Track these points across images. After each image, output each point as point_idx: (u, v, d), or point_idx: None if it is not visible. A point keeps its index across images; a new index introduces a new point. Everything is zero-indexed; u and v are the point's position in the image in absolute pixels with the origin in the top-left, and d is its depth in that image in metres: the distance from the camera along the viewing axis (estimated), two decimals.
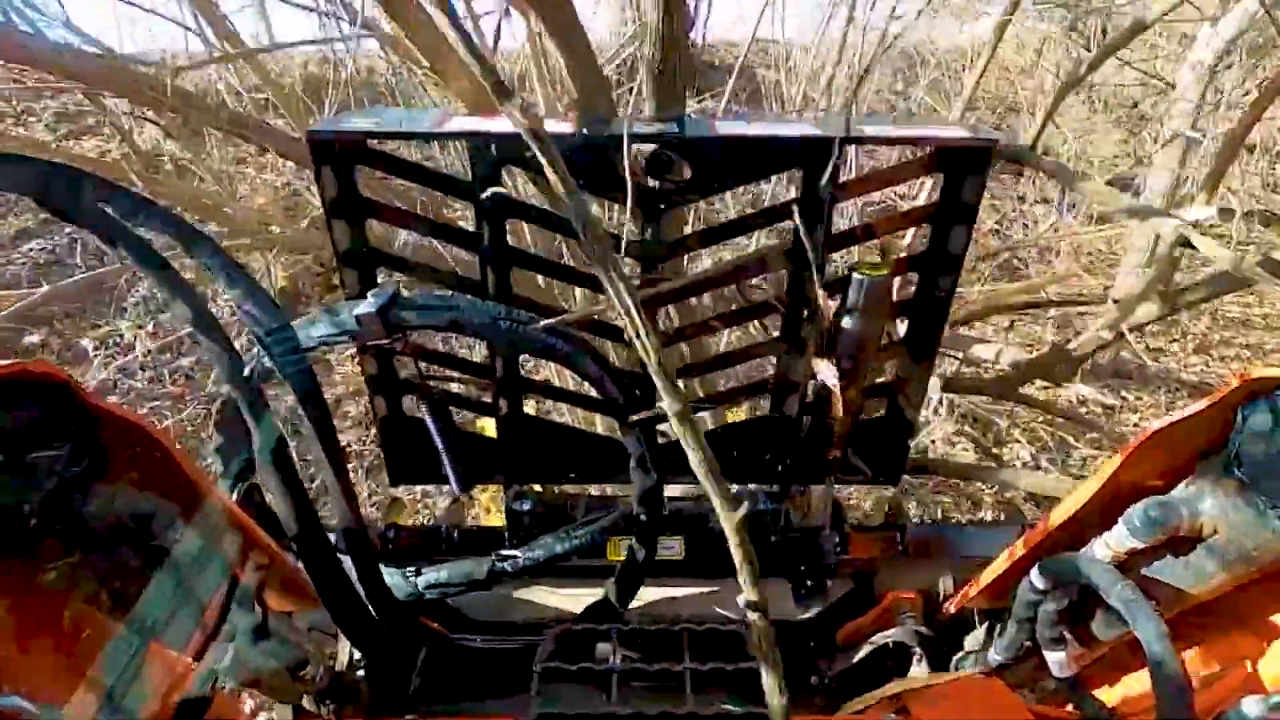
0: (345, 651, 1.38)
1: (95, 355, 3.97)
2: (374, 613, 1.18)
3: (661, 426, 1.62)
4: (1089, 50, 6.61)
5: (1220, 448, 0.94)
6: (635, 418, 1.16)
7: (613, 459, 1.30)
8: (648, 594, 1.50)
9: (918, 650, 1.35)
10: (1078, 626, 1.12)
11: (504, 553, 1.34)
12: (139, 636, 0.91)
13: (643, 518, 1.30)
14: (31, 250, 4.68)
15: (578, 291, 2.56)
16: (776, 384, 1.54)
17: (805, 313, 1.42)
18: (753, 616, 0.78)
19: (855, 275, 1.34)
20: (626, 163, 1.22)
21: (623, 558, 1.37)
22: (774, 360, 1.53)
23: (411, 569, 1.34)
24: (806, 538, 1.60)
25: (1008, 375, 2.09)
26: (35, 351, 4.04)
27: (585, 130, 1.29)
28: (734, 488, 1.70)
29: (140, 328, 4.07)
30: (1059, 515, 1.11)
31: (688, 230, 1.69)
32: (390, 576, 1.26)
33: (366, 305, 1.11)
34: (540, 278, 2.34)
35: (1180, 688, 0.87)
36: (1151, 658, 0.89)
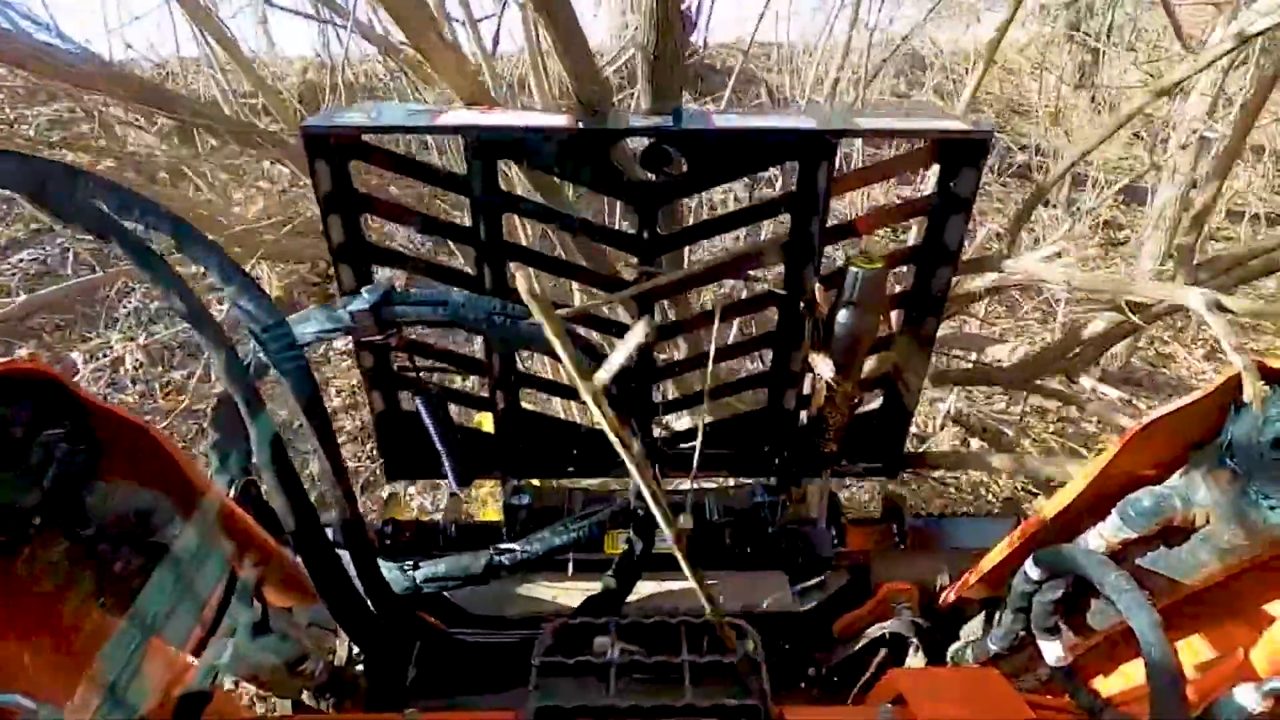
0: (344, 646, 1.39)
1: (85, 368, 3.95)
2: (372, 607, 1.18)
3: (658, 420, 1.63)
4: (1091, 52, 6.61)
5: (1214, 438, 0.95)
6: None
7: (610, 453, 1.30)
8: (645, 587, 1.50)
9: (914, 641, 1.36)
10: (1072, 616, 1.13)
11: (501, 546, 1.34)
12: (139, 633, 0.91)
13: (640, 512, 1.30)
14: (22, 261, 4.64)
15: (574, 285, 2.56)
16: (773, 377, 1.55)
17: (802, 306, 1.42)
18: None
19: (851, 268, 1.34)
20: (623, 157, 1.22)
21: (620, 551, 1.38)
22: (770, 353, 1.53)
23: (409, 563, 1.35)
24: (803, 530, 1.60)
25: (1018, 365, 2.09)
26: None
27: (581, 124, 1.29)
28: (732, 480, 1.71)
29: (131, 340, 4.05)
30: (1054, 506, 1.12)
31: (684, 224, 1.69)
32: (388, 570, 1.27)
33: (360, 301, 1.11)
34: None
35: (1173, 676, 0.88)
36: (1144, 647, 0.90)
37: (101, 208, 0.83)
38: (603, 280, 1.57)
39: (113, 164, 3.19)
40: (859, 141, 3.24)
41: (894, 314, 1.51)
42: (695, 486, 1.83)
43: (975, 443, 3.85)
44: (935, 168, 1.36)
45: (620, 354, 0.42)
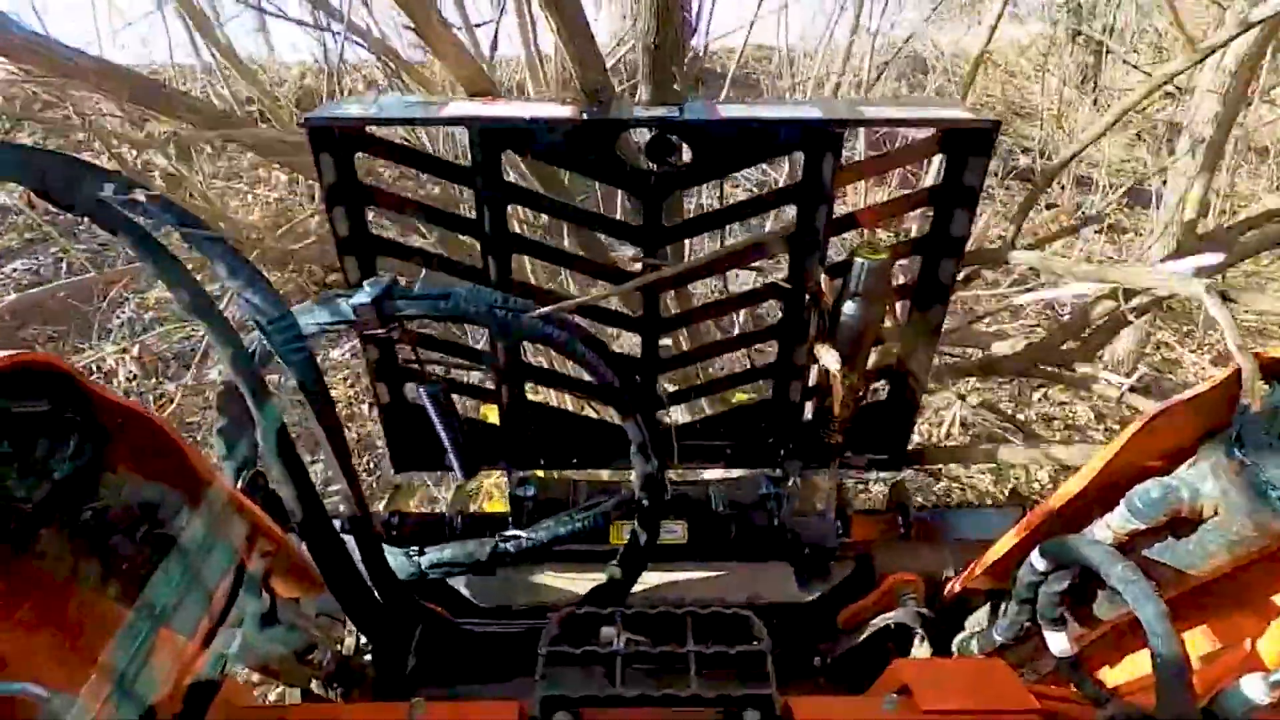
0: (352, 636, 1.40)
1: None
2: (378, 596, 1.19)
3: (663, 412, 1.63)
4: (1094, 54, 6.54)
5: (1222, 429, 0.94)
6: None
7: (616, 444, 1.30)
8: (651, 577, 1.51)
9: (919, 632, 1.36)
10: (1078, 607, 1.12)
11: (507, 534, 1.35)
12: (148, 623, 0.92)
13: (644, 503, 1.30)
14: (15, 270, 4.65)
15: (580, 277, 2.56)
16: (778, 369, 1.54)
17: (807, 297, 1.42)
18: None
19: (857, 259, 1.33)
20: (627, 147, 1.21)
21: (625, 542, 1.38)
22: (776, 345, 1.53)
23: (414, 549, 1.36)
24: (809, 521, 1.60)
25: (1023, 353, 2.07)
26: None
27: (586, 115, 1.28)
28: (736, 472, 1.71)
29: (124, 351, 4.06)
30: (1060, 497, 1.11)
31: (689, 215, 1.68)
32: (393, 557, 1.27)
33: (363, 295, 1.11)
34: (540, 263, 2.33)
35: (1180, 667, 0.88)
36: (1151, 638, 0.90)
37: (107, 200, 0.84)
38: (606, 272, 1.56)
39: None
40: (861, 139, 3.23)
41: (899, 305, 1.51)
42: (700, 477, 1.83)
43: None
44: (941, 158, 1.35)
45: None
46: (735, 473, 1.73)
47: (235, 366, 0.93)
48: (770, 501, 1.60)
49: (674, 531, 1.56)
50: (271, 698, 2.13)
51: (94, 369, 3.94)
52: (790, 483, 1.63)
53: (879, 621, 1.40)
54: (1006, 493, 3.76)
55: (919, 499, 3.67)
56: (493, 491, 2.86)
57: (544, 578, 1.54)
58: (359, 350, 3.72)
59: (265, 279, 0.97)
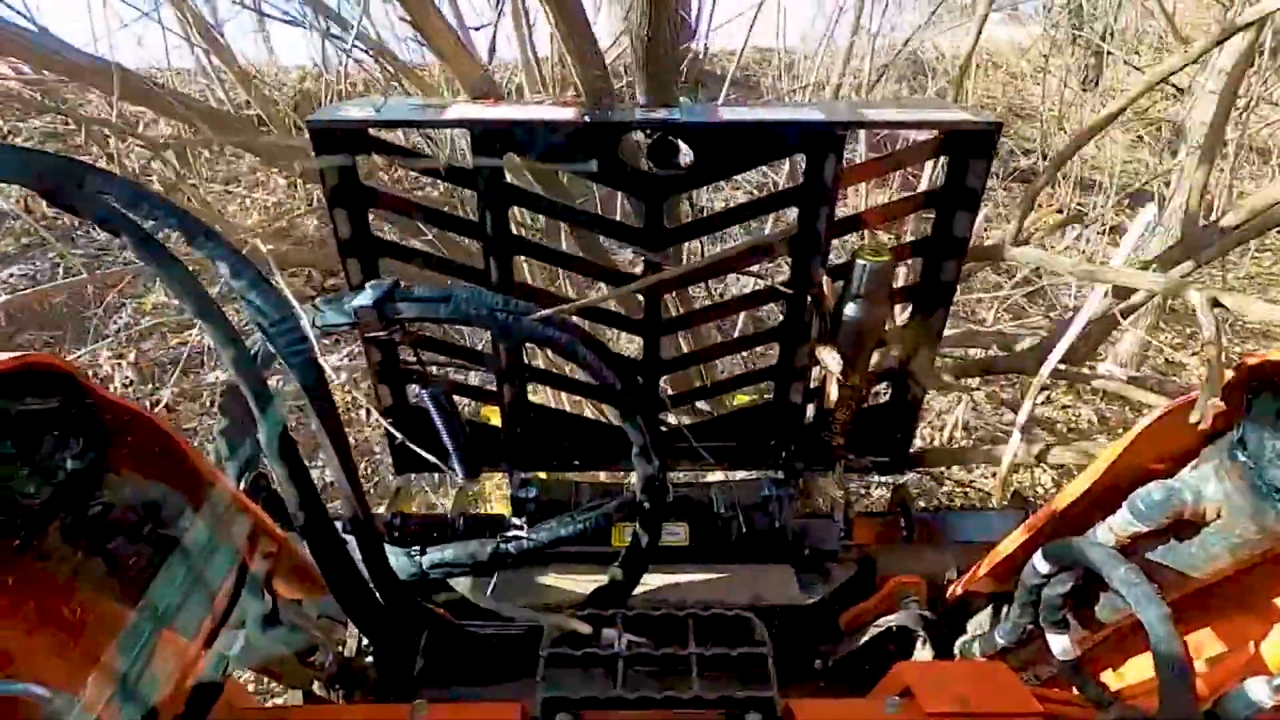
0: (354, 638, 1.40)
1: None
2: (380, 597, 1.19)
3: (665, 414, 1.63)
4: (1094, 55, 6.55)
5: (1225, 432, 0.94)
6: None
7: (618, 445, 1.30)
8: (653, 579, 1.51)
9: (921, 634, 1.36)
10: (1081, 610, 1.12)
11: (508, 535, 1.35)
12: (151, 624, 0.92)
13: (646, 506, 1.30)
14: (11, 276, 4.66)
15: (580, 279, 2.56)
16: (780, 371, 1.54)
17: (809, 299, 1.42)
18: None
19: (858, 261, 1.33)
20: (629, 149, 1.22)
21: (627, 544, 1.38)
22: (778, 347, 1.53)
23: (416, 549, 1.36)
24: (810, 523, 1.60)
25: (1024, 353, 2.08)
26: None
27: (587, 117, 1.28)
28: (738, 474, 1.71)
29: (120, 357, 4.07)
30: (1063, 499, 1.11)
31: (690, 217, 1.68)
32: (394, 557, 1.27)
33: (364, 297, 1.11)
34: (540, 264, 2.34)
35: (1183, 670, 0.87)
36: (1154, 640, 0.90)
37: (110, 202, 0.84)
38: (608, 274, 1.57)
39: None
40: (862, 141, 3.23)
41: (901, 307, 1.51)
42: (702, 479, 1.83)
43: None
44: (942, 160, 1.36)
45: None
46: (737, 475, 1.73)
47: (238, 368, 0.93)
48: (772, 503, 1.60)
49: (676, 533, 1.56)
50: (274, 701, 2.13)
51: (90, 374, 3.95)
52: (792, 485, 1.62)
53: (881, 624, 1.40)
54: (1009, 496, 3.76)
55: (921, 502, 3.66)
56: (492, 495, 2.86)
57: (546, 579, 1.54)
58: (357, 355, 3.74)
59: (268, 281, 0.98)
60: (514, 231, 1.39)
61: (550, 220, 2.39)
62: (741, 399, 2.27)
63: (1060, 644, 1.12)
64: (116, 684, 0.86)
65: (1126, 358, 4.39)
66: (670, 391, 1.67)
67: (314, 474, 1.06)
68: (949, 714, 0.91)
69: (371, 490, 3.61)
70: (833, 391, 1.46)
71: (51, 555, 0.87)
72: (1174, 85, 4.82)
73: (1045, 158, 5.82)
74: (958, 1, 5.73)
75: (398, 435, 1.60)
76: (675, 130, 1.27)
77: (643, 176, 1.33)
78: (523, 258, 1.48)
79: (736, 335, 1.89)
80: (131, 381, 4.05)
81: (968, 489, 3.81)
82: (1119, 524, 1.02)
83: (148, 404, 3.96)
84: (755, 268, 1.48)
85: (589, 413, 2.25)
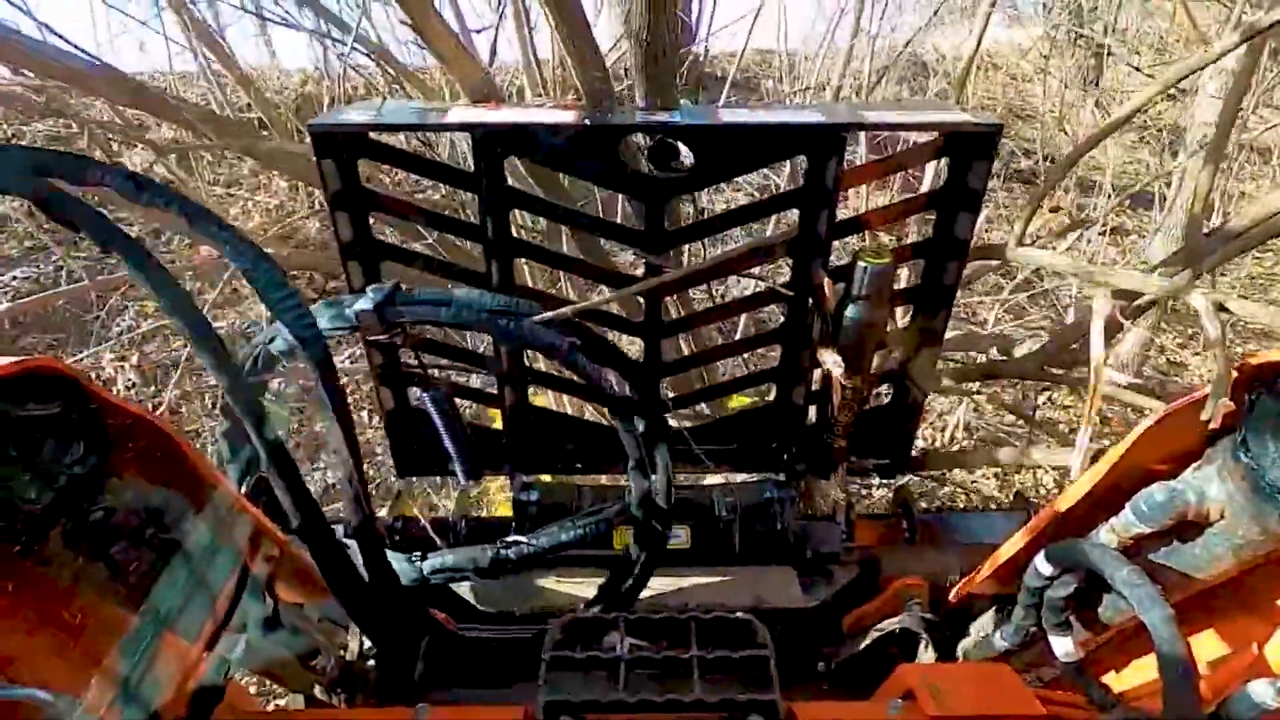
0: (355, 641, 1.40)
1: None
2: (381, 599, 1.19)
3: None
4: (1095, 56, 6.56)
5: (1228, 432, 0.94)
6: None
7: (620, 448, 1.30)
8: (655, 583, 1.50)
9: (924, 636, 1.35)
10: (1084, 612, 1.12)
11: (509, 540, 1.35)
12: (153, 628, 0.92)
13: (641, 518, 1.31)
14: (15, 279, 4.67)
15: (581, 282, 2.56)
16: (781, 373, 1.54)
17: (810, 301, 1.42)
18: None
19: (860, 262, 1.33)
20: (630, 152, 1.22)
21: (628, 547, 1.38)
22: (779, 349, 1.53)
23: (417, 554, 1.36)
24: (812, 525, 1.60)
25: (1025, 357, 2.08)
26: None
27: (588, 119, 1.29)
28: (740, 477, 1.71)
29: (123, 360, 4.08)
30: (1065, 500, 1.11)
31: (691, 219, 1.69)
32: (396, 561, 1.27)
33: (365, 300, 1.11)
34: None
35: (1186, 672, 0.87)
36: (1157, 642, 0.89)
37: (102, 214, 0.83)
38: (609, 276, 1.57)
39: None
40: (862, 143, 3.23)
41: (902, 309, 1.51)
42: (703, 482, 1.83)
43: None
44: (944, 162, 1.36)
45: None
46: (739, 477, 1.73)
47: (231, 389, 0.93)
48: (774, 506, 1.60)
49: (677, 536, 1.55)
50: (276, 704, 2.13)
51: (93, 377, 3.95)
52: (794, 487, 1.62)
53: (883, 626, 1.40)
54: (1011, 497, 3.76)
55: (923, 503, 3.66)
56: (495, 496, 2.86)
57: (547, 582, 1.54)
58: (357, 357, 3.74)
59: (270, 260, 0.96)
60: (515, 234, 1.39)
61: (551, 223, 2.39)
62: (739, 401, 2.27)
63: (1063, 646, 1.11)
64: (119, 687, 0.86)
65: (1128, 358, 4.39)
66: (671, 394, 1.67)
67: (317, 475, 1.06)
68: (952, 717, 0.90)
69: (375, 492, 3.61)
70: (834, 394, 1.46)
71: (53, 560, 0.87)
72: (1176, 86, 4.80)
73: (1045, 159, 5.82)
74: (958, 3, 5.74)
75: (399, 438, 1.61)
76: (676, 132, 1.28)
77: (644, 179, 1.33)
78: (524, 260, 1.48)
79: (738, 337, 1.89)
80: (134, 384, 4.06)
81: (968, 490, 3.81)
82: (1121, 525, 1.02)
83: (150, 406, 3.96)
84: (756, 270, 1.48)
85: (590, 415, 2.25)
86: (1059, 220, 5.58)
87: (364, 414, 4.03)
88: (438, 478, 2.86)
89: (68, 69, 2.08)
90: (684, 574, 1.54)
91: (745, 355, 1.80)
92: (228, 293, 3.97)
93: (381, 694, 1.34)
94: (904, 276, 1.53)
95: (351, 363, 3.88)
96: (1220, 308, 1.08)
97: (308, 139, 1.26)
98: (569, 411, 2.25)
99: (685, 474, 1.58)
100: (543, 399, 2.46)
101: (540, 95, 2.51)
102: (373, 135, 1.30)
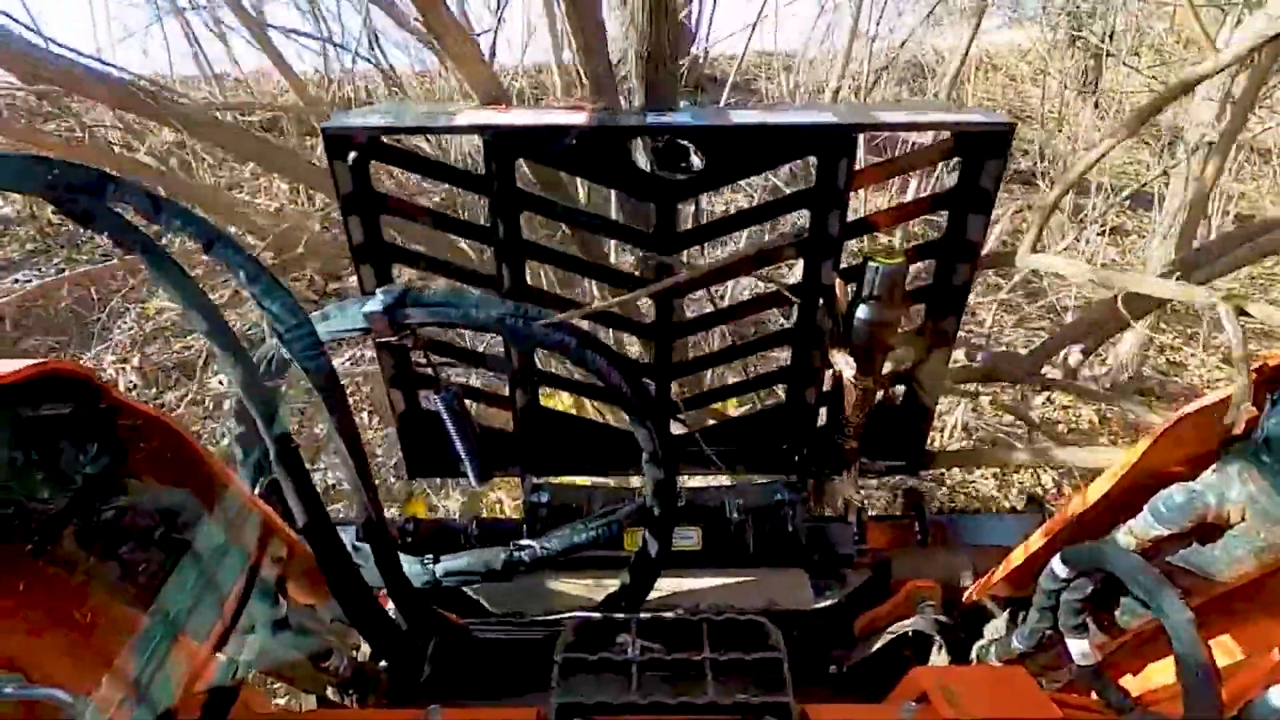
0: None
1: None
2: (395, 603, 1.19)
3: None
4: (1094, 57, 6.55)
5: (1248, 433, 0.93)
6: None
7: (630, 448, 1.30)
8: (666, 584, 1.50)
9: (937, 639, 1.35)
10: (1101, 614, 1.11)
11: (521, 543, 1.34)
12: (164, 628, 0.92)
13: (656, 511, 1.30)
14: (17, 282, 4.68)
15: (593, 284, 2.56)
16: (792, 374, 1.54)
17: (821, 302, 1.41)
18: None
19: (871, 263, 1.33)
20: (640, 154, 1.21)
21: (639, 548, 1.37)
22: (790, 350, 1.52)
23: (429, 557, 1.35)
24: (824, 527, 1.59)
25: (1026, 359, 2.06)
26: None
27: (599, 121, 1.29)
28: (751, 478, 1.71)
29: (125, 362, 4.09)
30: (1082, 503, 1.10)
31: (702, 220, 1.68)
32: (408, 564, 1.27)
33: (375, 303, 1.12)
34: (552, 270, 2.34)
35: (1207, 676, 0.86)
36: (1177, 646, 0.88)
37: (123, 216, 0.84)
38: (620, 277, 1.56)
39: None
40: (861, 144, 3.22)
41: (914, 309, 1.50)
42: (715, 483, 1.82)
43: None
44: (955, 162, 1.35)
45: None
46: (750, 479, 1.72)
47: (245, 386, 0.93)
48: (785, 507, 1.59)
49: (689, 538, 1.55)
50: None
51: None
52: (805, 489, 1.62)
53: (896, 629, 1.39)
54: (1010, 498, 3.74)
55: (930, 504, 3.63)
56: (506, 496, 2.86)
57: (559, 584, 1.54)
58: (357, 359, 3.75)
59: (283, 285, 0.98)
60: (525, 236, 1.39)
61: (566, 226, 2.39)
62: (731, 404, 2.25)
63: (1079, 648, 1.10)
64: (131, 687, 0.86)
65: (1127, 358, 4.36)
66: (681, 395, 1.66)
67: (322, 475, 1.06)
68: None
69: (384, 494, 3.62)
70: (846, 394, 1.45)
71: (65, 560, 0.87)
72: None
73: (1043, 158, 5.80)
74: (957, 4, 5.74)
75: (410, 440, 1.61)
76: (686, 134, 1.27)
77: (653, 180, 1.33)
78: (535, 262, 1.48)
79: (750, 339, 1.88)
80: (136, 386, 4.08)
81: (968, 491, 3.79)
82: (1140, 527, 1.01)
83: (153, 407, 3.98)
84: (766, 271, 1.47)
85: (599, 416, 2.25)
86: (1061, 222, 5.55)
87: (364, 415, 4.04)
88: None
89: (72, 75, 2.10)
90: (695, 576, 1.54)
91: (756, 357, 1.79)
92: (228, 295, 3.99)
93: (393, 696, 1.34)
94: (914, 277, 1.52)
95: (354, 364, 3.90)
96: (1241, 312, 1.06)
97: (309, 141, 1.26)
98: (576, 412, 2.25)
99: (696, 475, 1.57)
100: (553, 400, 2.46)
101: (540, 94, 2.51)
102: (384, 138, 1.30)
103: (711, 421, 1.84)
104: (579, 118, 1.31)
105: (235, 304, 4.45)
